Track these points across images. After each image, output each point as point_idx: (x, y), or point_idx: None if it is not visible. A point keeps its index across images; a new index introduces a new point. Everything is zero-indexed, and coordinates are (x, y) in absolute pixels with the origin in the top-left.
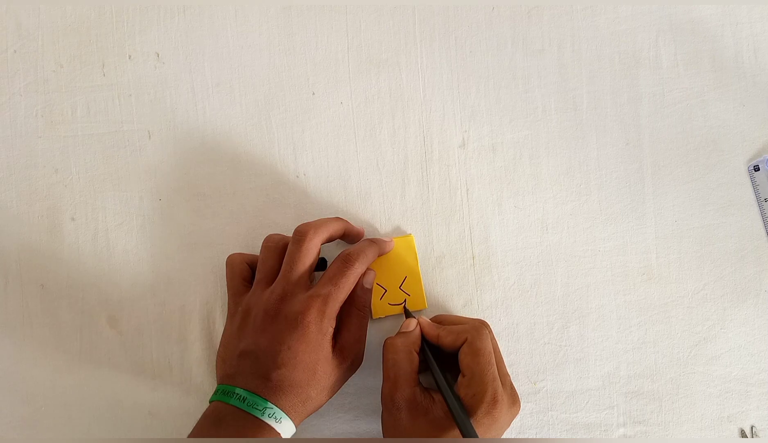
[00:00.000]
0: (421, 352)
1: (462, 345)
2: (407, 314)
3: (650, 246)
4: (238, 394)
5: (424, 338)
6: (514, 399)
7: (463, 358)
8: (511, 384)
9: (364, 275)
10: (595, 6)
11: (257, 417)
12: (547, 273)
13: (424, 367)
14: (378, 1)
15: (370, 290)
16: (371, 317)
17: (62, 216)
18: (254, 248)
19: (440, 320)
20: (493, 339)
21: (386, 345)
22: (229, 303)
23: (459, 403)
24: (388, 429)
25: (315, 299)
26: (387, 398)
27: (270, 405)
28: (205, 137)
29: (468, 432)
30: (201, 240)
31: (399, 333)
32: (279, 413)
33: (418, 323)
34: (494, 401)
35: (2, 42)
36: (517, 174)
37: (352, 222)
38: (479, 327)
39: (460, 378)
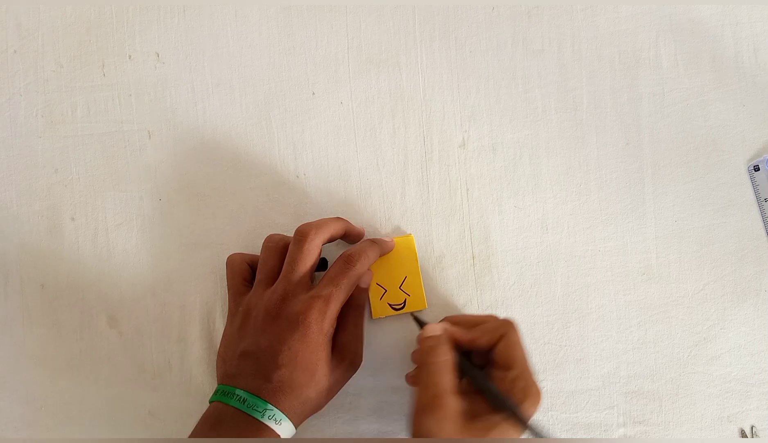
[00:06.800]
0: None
1: (498, 341)
2: (420, 322)
3: (650, 246)
4: (238, 395)
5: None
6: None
7: (506, 352)
8: None
9: None
10: (595, 6)
11: (257, 419)
12: (547, 273)
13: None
14: (378, 1)
15: (366, 290)
16: (371, 317)
17: (62, 216)
18: (254, 248)
19: (456, 322)
20: None
21: (426, 365)
22: (229, 303)
23: (507, 398)
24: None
25: (316, 299)
26: (425, 418)
27: (270, 406)
28: (205, 137)
29: (521, 419)
30: (201, 240)
31: (429, 350)
32: (279, 414)
33: (445, 331)
34: (539, 392)
35: (2, 42)
36: (517, 174)
37: (352, 222)
38: (509, 321)
39: (501, 373)
